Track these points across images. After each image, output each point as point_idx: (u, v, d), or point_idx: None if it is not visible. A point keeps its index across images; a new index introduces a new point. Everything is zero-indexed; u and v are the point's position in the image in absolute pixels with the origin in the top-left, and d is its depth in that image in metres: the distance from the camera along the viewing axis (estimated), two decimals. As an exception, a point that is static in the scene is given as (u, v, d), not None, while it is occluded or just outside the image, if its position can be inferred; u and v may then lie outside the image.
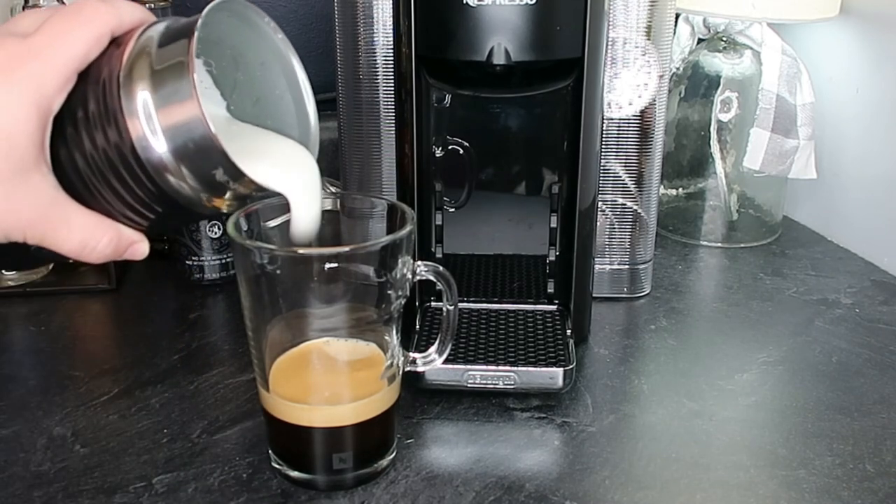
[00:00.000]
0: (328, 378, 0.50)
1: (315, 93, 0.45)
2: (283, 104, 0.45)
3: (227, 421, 0.55)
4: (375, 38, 0.63)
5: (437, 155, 0.62)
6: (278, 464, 0.50)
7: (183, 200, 0.39)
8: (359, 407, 0.48)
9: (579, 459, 0.51)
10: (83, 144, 0.38)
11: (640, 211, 0.70)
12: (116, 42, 0.39)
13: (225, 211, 0.42)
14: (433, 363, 0.52)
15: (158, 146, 0.37)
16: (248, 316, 0.48)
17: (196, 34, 0.37)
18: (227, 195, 0.40)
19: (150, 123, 0.37)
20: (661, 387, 0.59)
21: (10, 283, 0.73)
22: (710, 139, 0.82)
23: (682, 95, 0.84)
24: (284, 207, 0.48)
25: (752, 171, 0.80)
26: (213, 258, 0.73)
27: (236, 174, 0.38)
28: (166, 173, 0.38)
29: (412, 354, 0.52)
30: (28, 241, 0.38)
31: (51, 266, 0.76)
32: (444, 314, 0.51)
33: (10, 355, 0.64)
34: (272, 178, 0.42)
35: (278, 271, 0.47)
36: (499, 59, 0.54)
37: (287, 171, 0.43)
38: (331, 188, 0.80)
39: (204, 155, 0.38)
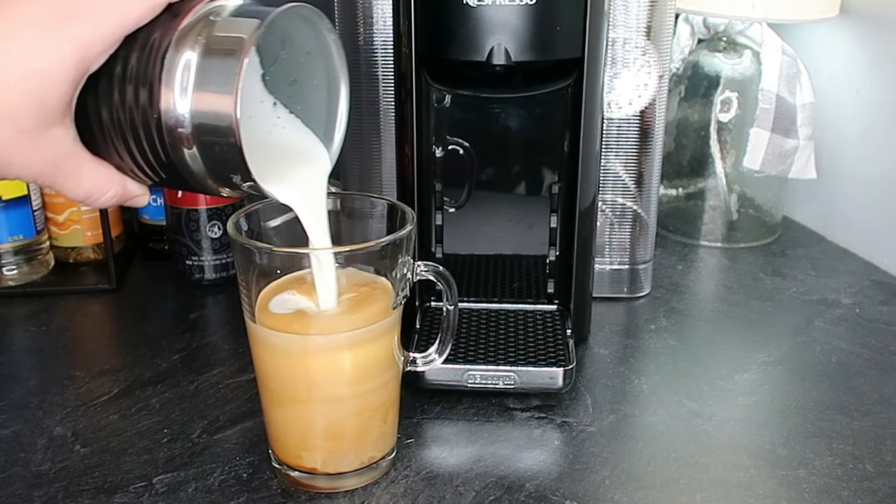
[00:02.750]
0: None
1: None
2: (317, 97, 0.44)
3: (227, 421, 0.55)
4: (375, 38, 0.63)
5: (437, 155, 0.62)
6: (278, 463, 0.50)
7: (192, 179, 0.39)
8: (360, 340, 0.46)
9: (579, 459, 0.51)
10: (112, 99, 0.38)
11: (640, 211, 0.70)
12: (172, 11, 0.38)
13: (225, 196, 0.42)
14: (433, 363, 0.52)
15: (184, 126, 0.37)
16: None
17: (258, 34, 0.37)
18: (235, 189, 0.40)
19: (182, 102, 0.37)
20: (661, 387, 0.59)
21: (11, 283, 0.73)
22: (710, 139, 0.82)
23: (682, 95, 0.84)
24: (285, 208, 0.48)
25: (752, 171, 0.80)
26: (213, 258, 0.73)
27: (249, 179, 0.38)
28: (183, 150, 0.38)
29: (412, 354, 0.52)
30: (38, 184, 0.39)
31: (51, 266, 0.76)
32: (444, 314, 0.51)
33: (10, 355, 0.64)
34: (285, 196, 0.43)
35: (278, 271, 0.47)
36: (499, 60, 0.54)
37: (300, 191, 0.44)
38: (331, 188, 0.80)
39: (226, 156, 0.38)
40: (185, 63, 0.37)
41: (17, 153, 0.36)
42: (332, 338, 0.46)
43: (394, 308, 0.48)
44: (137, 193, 0.42)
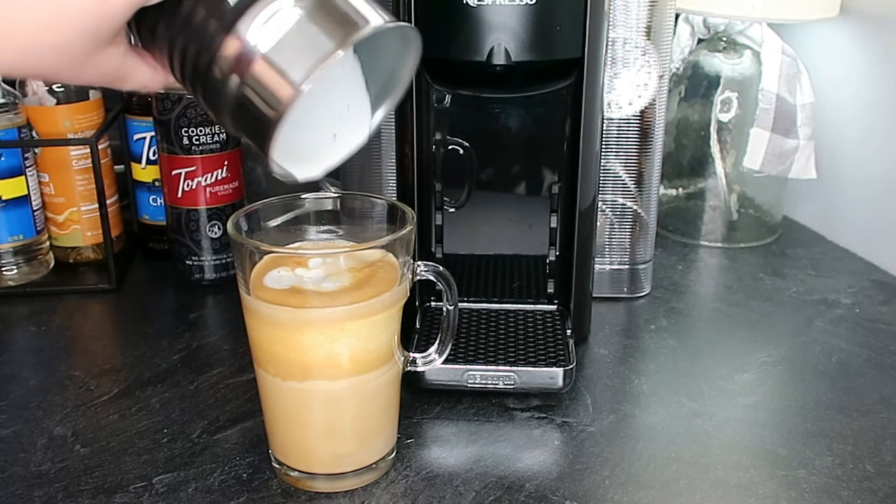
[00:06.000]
0: (325, 269, 0.47)
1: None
2: (382, 60, 0.42)
3: (227, 421, 0.55)
4: (375, 38, 0.63)
5: (437, 155, 0.62)
6: (278, 464, 0.50)
7: (221, 107, 0.38)
8: (356, 314, 0.45)
9: (579, 459, 0.51)
10: (175, 20, 0.37)
11: (640, 211, 0.70)
12: None
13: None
14: (433, 363, 0.52)
15: (232, 80, 0.36)
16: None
17: (372, 31, 0.35)
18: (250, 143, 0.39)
19: (244, 57, 0.35)
20: (661, 387, 0.59)
21: (11, 283, 0.73)
22: (710, 139, 0.82)
23: (682, 95, 0.84)
24: (285, 207, 0.48)
25: (752, 171, 0.80)
26: (213, 258, 0.73)
27: (266, 153, 0.37)
28: (221, 91, 0.37)
29: (412, 354, 0.52)
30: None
31: (51, 266, 0.76)
32: (444, 314, 0.51)
33: (10, 355, 0.64)
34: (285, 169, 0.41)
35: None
36: (499, 60, 0.54)
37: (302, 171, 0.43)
38: (331, 188, 0.80)
39: (257, 124, 0.36)
40: (259, 26, 0.35)
41: (68, 73, 0.37)
42: (328, 311, 0.45)
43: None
44: (178, 89, 0.42)
